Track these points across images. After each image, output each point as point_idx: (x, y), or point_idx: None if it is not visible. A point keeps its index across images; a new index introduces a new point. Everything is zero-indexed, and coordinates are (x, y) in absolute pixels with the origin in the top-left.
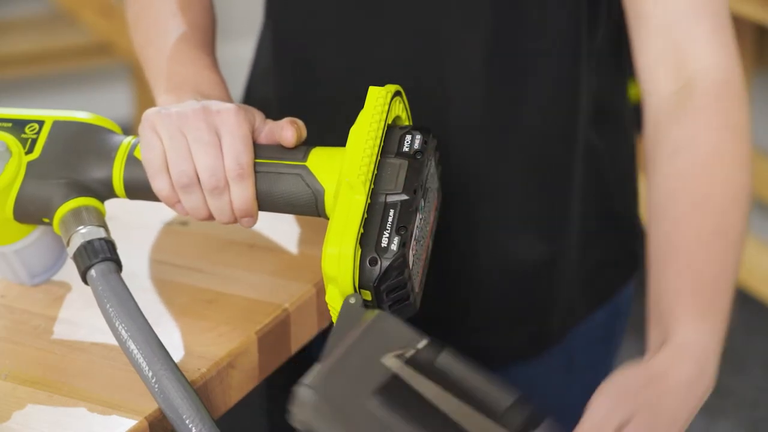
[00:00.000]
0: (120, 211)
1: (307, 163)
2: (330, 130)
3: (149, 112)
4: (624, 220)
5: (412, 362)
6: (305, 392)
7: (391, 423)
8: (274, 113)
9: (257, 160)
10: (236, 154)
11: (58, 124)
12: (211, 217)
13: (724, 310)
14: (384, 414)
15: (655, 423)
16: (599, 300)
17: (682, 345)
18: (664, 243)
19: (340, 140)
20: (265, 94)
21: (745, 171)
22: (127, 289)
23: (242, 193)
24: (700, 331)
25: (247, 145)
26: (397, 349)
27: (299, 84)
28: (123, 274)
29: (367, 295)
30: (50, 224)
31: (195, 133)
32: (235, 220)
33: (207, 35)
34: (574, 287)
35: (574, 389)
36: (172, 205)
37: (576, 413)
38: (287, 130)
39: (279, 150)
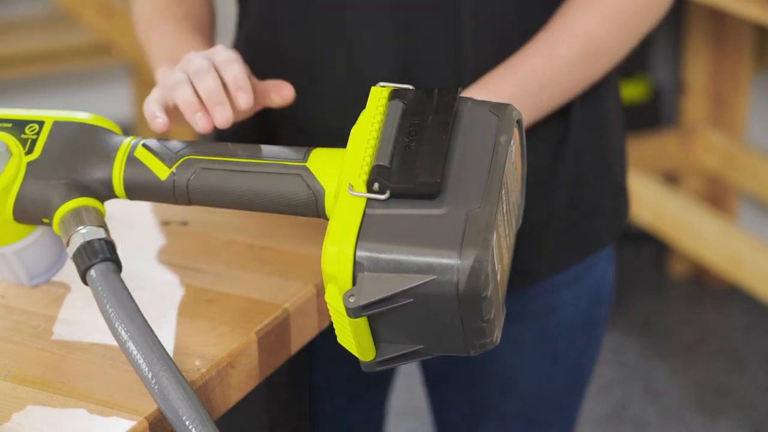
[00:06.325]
0: (120, 211)
1: (308, 164)
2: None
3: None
4: (614, 171)
5: None
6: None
7: None
8: None
9: (257, 161)
10: (227, 58)
11: (58, 125)
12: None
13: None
14: None
15: None
16: (583, 250)
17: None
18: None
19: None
20: None
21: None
22: (127, 290)
23: (233, 71)
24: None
25: (237, 57)
26: None
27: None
28: (123, 274)
29: None
30: (50, 225)
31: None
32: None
33: (201, 23)
34: (563, 225)
35: (557, 379)
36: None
37: (560, 403)
38: (287, 89)
39: (279, 150)
